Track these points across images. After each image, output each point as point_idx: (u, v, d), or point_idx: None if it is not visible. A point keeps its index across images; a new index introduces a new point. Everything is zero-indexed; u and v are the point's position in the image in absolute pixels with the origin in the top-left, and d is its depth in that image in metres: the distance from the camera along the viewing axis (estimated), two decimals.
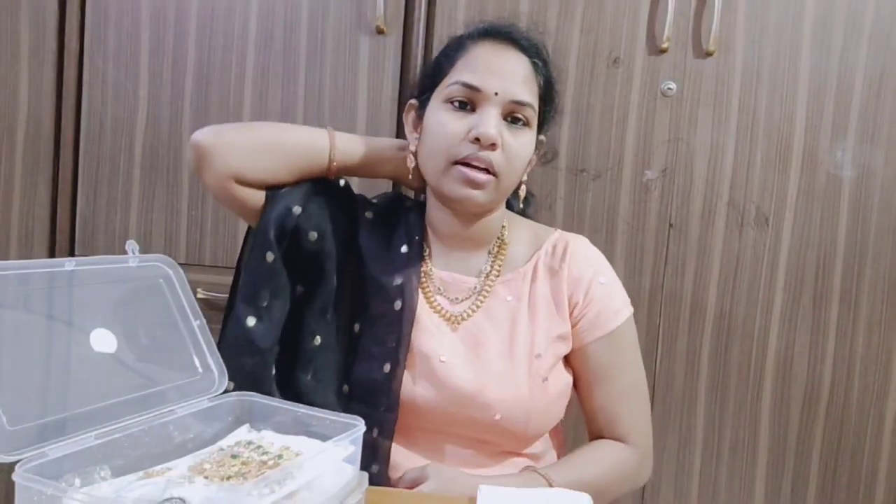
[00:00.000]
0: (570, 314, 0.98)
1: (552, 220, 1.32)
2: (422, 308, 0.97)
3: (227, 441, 0.75)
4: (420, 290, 0.97)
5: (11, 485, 0.58)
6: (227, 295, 1.32)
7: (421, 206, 1.03)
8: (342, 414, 0.74)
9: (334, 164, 0.97)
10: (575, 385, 1.00)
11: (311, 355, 0.96)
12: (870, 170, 1.31)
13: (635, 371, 1.00)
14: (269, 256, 0.95)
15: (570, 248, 1.00)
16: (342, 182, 1.02)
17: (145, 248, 0.77)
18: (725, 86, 1.31)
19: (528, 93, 0.92)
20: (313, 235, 0.96)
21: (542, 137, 1.00)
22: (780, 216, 1.32)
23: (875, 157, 1.31)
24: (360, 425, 0.71)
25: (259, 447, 0.71)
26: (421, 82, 1.02)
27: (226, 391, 0.78)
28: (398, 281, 0.96)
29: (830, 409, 1.34)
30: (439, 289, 0.99)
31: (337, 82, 1.34)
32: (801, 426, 1.35)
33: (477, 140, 0.89)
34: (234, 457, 0.69)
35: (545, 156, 1.08)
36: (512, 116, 0.92)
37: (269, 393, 0.91)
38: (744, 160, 1.32)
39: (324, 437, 0.72)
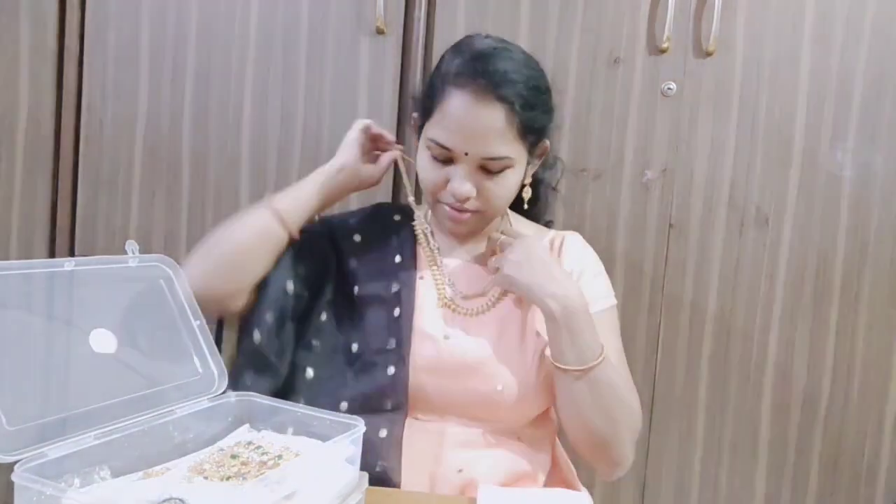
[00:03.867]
0: None
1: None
2: (428, 297, 1.01)
3: (227, 441, 0.75)
4: (432, 280, 1.03)
5: (11, 485, 0.58)
6: None
7: (409, 214, 1.08)
8: (342, 414, 0.74)
9: (292, 232, 1.00)
10: None
11: (303, 386, 0.99)
12: (870, 170, 1.31)
13: (612, 353, 0.98)
14: (256, 337, 0.97)
15: (566, 243, 1.07)
16: (316, 217, 1.06)
17: (145, 248, 0.77)
18: (725, 86, 1.31)
19: (501, 145, 0.93)
20: (306, 294, 1.02)
21: (545, 142, 1.03)
22: (780, 216, 1.32)
23: (875, 157, 1.31)
24: (359, 425, 0.71)
25: (259, 447, 0.71)
26: (419, 103, 1.03)
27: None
28: (395, 288, 1.00)
29: (830, 409, 1.34)
30: (449, 279, 1.04)
31: (337, 82, 1.34)
32: (801, 426, 1.35)
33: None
34: (233, 457, 0.69)
35: (550, 160, 1.11)
36: (486, 168, 0.95)
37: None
38: (744, 160, 1.32)
39: (324, 437, 0.72)
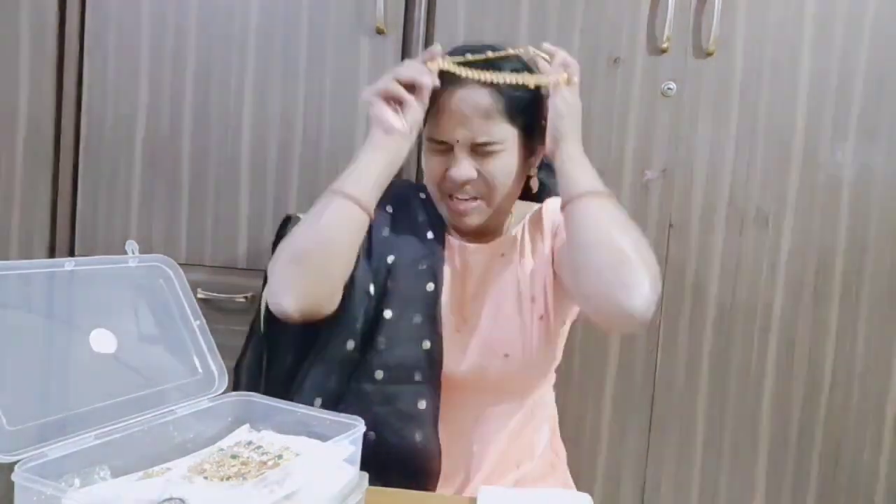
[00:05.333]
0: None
1: None
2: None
3: (227, 441, 0.75)
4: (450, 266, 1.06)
5: (11, 485, 0.58)
6: (226, 295, 1.34)
7: (430, 198, 1.09)
8: (342, 414, 0.74)
9: (370, 214, 0.96)
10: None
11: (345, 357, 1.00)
12: (870, 170, 1.31)
13: None
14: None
15: (545, 208, 1.09)
16: None
17: (145, 248, 0.77)
18: (725, 86, 1.31)
19: (490, 127, 0.96)
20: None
21: (533, 157, 1.04)
22: (780, 216, 1.32)
23: (875, 157, 1.31)
24: (359, 425, 0.72)
25: (259, 447, 0.71)
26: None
27: None
28: (427, 264, 1.03)
29: (830, 409, 1.34)
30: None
31: (337, 82, 1.34)
32: (801, 426, 1.35)
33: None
34: (233, 457, 0.69)
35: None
36: (479, 150, 0.97)
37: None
38: (744, 160, 1.32)
39: (324, 437, 0.72)
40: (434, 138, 0.99)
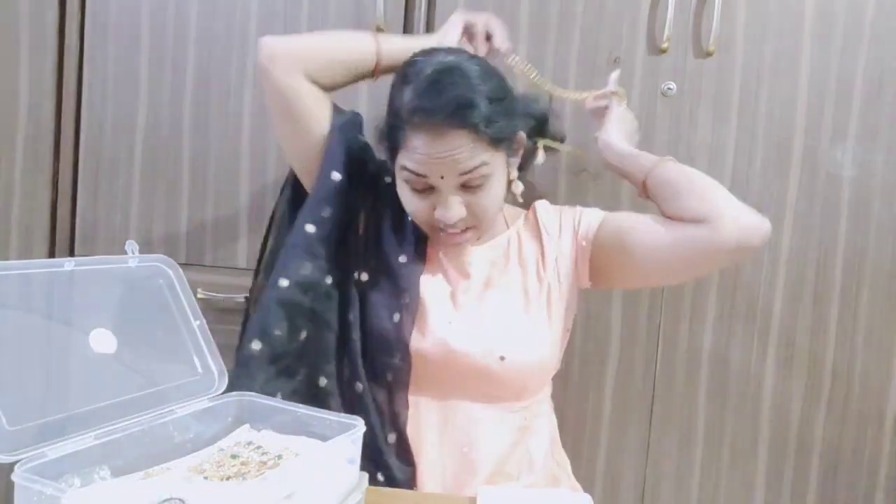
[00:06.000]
0: (565, 243, 1.07)
1: None
2: (426, 274, 1.04)
3: (227, 441, 0.75)
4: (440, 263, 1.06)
5: (11, 485, 0.58)
6: (226, 295, 1.34)
7: None
8: (342, 414, 0.74)
9: (380, 63, 1.06)
10: (637, 259, 1.03)
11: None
12: (870, 170, 1.31)
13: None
14: (336, 176, 1.02)
15: (538, 212, 1.11)
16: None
17: (145, 248, 0.77)
18: (725, 86, 1.31)
19: (473, 158, 0.93)
20: (371, 167, 1.08)
21: (519, 135, 1.03)
22: (780, 216, 1.32)
23: (875, 157, 1.31)
24: (359, 425, 0.72)
25: (259, 447, 0.71)
26: (384, 136, 1.02)
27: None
28: (408, 239, 1.04)
29: (831, 409, 1.34)
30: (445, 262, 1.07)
31: None
32: (801, 425, 1.35)
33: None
34: (233, 457, 0.69)
35: (519, 190, 1.11)
36: (467, 185, 0.95)
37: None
38: (744, 160, 1.32)
39: (324, 437, 0.72)
40: (413, 170, 0.94)
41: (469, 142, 0.91)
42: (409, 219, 1.04)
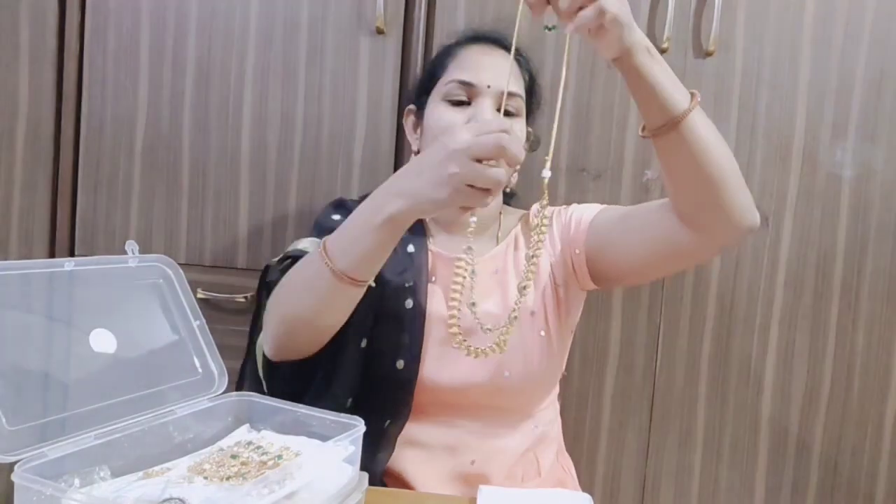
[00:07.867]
0: (560, 248, 1.04)
1: None
2: (437, 298, 1.01)
3: (227, 441, 0.75)
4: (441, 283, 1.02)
5: (11, 485, 0.58)
6: (226, 295, 1.34)
7: None
8: (342, 414, 0.74)
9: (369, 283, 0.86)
10: (630, 250, 0.98)
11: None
12: (870, 170, 1.31)
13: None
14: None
15: (531, 213, 1.10)
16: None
17: (145, 248, 0.77)
18: (725, 86, 1.31)
19: (516, 85, 1.02)
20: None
21: (529, 129, 1.08)
22: (780, 216, 1.32)
23: (875, 157, 1.31)
24: (359, 425, 0.71)
25: (259, 447, 0.71)
26: (416, 89, 1.10)
27: None
28: (409, 282, 1.00)
29: (830, 409, 1.34)
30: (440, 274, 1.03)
31: (337, 82, 1.34)
32: (801, 426, 1.35)
33: None
34: (233, 457, 0.69)
35: (532, 145, 1.13)
36: (504, 110, 0.91)
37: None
38: (744, 160, 1.32)
39: (324, 437, 0.72)
40: (463, 80, 0.98)
41: (514, 67, 1.01)
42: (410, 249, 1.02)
